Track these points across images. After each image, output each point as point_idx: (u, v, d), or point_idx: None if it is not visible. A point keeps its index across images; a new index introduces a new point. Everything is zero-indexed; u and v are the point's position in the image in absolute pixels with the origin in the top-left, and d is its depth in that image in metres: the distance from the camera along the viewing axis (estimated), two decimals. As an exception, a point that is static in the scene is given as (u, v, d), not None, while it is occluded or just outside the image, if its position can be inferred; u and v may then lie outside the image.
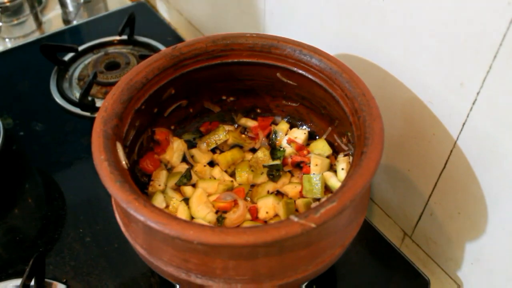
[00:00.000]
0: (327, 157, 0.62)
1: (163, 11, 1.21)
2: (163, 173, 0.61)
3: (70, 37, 1.05)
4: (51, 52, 0.87)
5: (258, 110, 0.69)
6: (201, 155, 0.65)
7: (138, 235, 0.49)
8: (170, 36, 1.03)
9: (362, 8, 0.59)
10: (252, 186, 0.63)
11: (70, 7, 1.11)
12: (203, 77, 0.62)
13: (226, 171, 0.64)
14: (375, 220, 0.76)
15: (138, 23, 0.97)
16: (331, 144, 0.63)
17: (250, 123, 0.68)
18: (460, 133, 0.54)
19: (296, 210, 0.58)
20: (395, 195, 0.70)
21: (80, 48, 0.93)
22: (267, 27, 0.81)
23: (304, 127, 0.67)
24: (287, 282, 0.47)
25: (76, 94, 0.85)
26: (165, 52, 0.58)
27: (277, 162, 0.63)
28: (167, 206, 0.58)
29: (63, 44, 0.93)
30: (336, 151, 0.63)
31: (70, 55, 0.92)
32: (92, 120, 0.63)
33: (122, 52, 0.93)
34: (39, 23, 1.11)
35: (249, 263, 0.45)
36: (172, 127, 0.66)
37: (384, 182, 0.71)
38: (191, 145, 0.67)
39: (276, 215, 0.58)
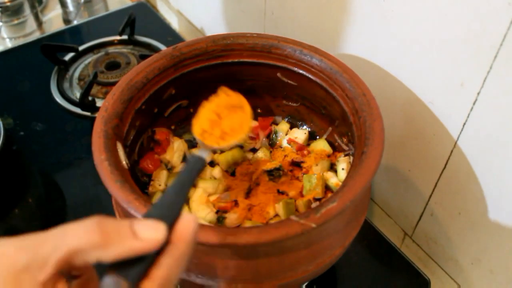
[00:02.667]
0: (328, 157, 0.62)
1: (163, 11, 1.20)
2: (164, 173, 0.61)
3: (70, 37, 1.05)
4: (51, 52, 0.87)
5: (259, 110, 0.69)
6: (202, 155, 0.65)
7: (138, 235, 0.49)
8: (170, 36, 1.03)
9: (362, 8, 0.59)
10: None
11: (71, 7, 1.11)
12: (203, 77, 0.62)
13: (226, 171, 0.64)
14: (376, 220, 0.76)
15: (138, 23, 0.97)
16: (331, 144, 0.63)
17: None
18: (460, 133, 0.54)
19: (297, 210, 0.58)
20: (396, 195, 0.70)
21: (81, 48, 0.93)
22: (267, 27, 0.81)
23: (305, 127, 0.67)
24: (287, 282, 0.47)
25: (77, 94, 0.85)
26: (165, 52, 0.58)
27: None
28: (167, 206, 0.58)
29: (64, 44, 0.93)
30: (336, 151, 0.63)
31: (71, 55, 0.92)
32: (92, 120, 0.63)
33: (122, 52, 0.93)
34: (39, 23, 1.11)
35: (249, 263, 0.45)
36: (173, 127, 0.66)
37: (385, 182, 0.71)
38: (192, 145, 0.67)
39: (276, 215, 0.58)
